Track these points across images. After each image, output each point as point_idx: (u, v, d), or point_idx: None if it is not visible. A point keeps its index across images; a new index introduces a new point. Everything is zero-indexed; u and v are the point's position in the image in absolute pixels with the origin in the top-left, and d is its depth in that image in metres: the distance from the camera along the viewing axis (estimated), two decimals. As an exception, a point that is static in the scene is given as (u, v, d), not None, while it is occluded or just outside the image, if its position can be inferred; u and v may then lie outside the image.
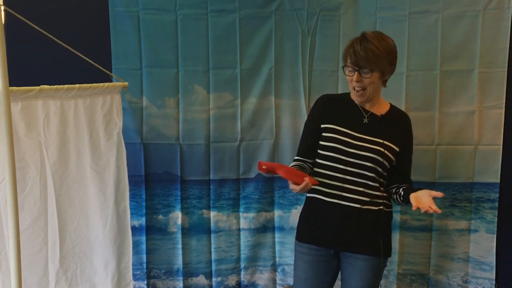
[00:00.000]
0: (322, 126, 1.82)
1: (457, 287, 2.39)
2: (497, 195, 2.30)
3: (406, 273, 2.43)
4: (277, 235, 2.48)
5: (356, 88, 1.73)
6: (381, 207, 1.79)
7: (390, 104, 1.88)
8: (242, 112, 2.37)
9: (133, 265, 2.17)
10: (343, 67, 1.78)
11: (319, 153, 1.82)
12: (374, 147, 1.74)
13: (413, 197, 1.66)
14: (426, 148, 2.32)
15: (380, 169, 1.76)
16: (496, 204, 2.30)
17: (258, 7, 2.29)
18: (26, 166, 1.84)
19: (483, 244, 2.34)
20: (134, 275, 2.33)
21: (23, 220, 1.81)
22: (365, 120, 1.80)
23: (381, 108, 1.83)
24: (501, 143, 2.26)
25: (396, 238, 2.38)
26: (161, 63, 2.29)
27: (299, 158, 1.89)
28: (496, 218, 2.31)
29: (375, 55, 1.68)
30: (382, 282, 2.44)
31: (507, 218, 2.32)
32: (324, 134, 1.81)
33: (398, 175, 1.82)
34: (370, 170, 1.74)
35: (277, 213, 2.45)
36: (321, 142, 1.81)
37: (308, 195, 1.87)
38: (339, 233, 1.79)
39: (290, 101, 2.38)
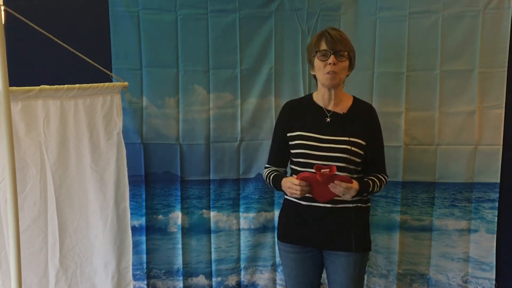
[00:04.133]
0: (288, 134, 1.87)
1: (457, 287, 2.39)
2: (497, 195, 2.30)
3: (406, 273, 2.43)
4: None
5: (330, 72, 1.75)
6: (359, 204, 1.83)
7: (354, 97, 1.91)
8: (242, 112, 2.37)
9: (133, 265, 2.17)
10: (311, 58, 1.81)
11: (291, 160, 1.88)
12: (341, 146, 1.77)
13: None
14: (426, 148, 2.32)
15: (351, 166, 1.80)
16: (496, 204, 2.30)
17: (258, 7, 2.29)
18: (26, 166, 1.83)
19: (483, 244, 2.34)
20: (134, 275, 2.33)
21: (23, 220, 1.80)
22: (328, 120, 1.83)
23: (344, 105, 1.86)
24: (501, 143, 2.26)
25: (396, 238, 2.38)
26: (161, 63, 2.30)
27: (271, 166, 1.95)
28: (496, 218, 2.31)
29: (348, 41, 1.80)
30: (382, 282, 2.44)
31: (507, 218, 2.32)
32: (291, 142, 1.86)
33: (372, 166, 1.85)
34: (341, 169, 1.77)
35: (277, 213, 2.44)
36: (291, 150, 1.87)
37: (286, 197, 1.91)
38: (318, 233, 1.83)
39: (290, 101, 2.38)
